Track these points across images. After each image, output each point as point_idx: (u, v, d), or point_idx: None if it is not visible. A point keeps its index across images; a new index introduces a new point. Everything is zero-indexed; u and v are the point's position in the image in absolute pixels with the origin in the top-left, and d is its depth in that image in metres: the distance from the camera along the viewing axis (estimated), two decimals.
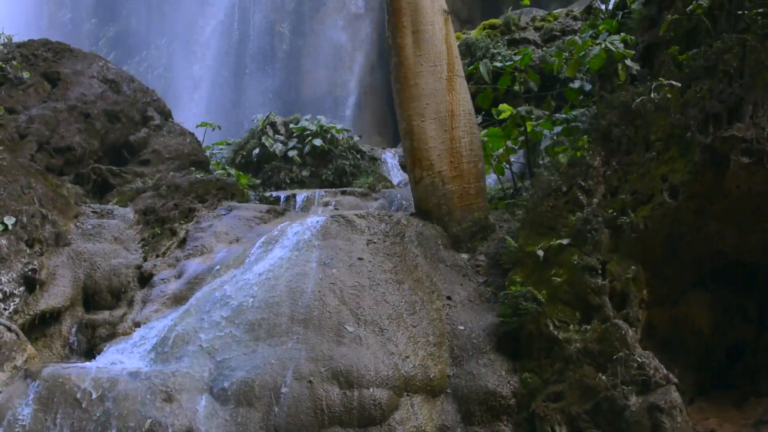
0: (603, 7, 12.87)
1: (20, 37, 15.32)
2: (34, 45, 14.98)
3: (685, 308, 7.96)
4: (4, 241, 8.88)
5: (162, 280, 9.65)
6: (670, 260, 7.68)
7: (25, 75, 13.87)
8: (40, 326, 9.03)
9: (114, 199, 12.54)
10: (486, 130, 12.20)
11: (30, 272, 8.97)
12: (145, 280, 9.85)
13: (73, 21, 52.41)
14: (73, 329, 9.28)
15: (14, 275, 8.80)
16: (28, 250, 9.21)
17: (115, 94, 14.89)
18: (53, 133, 13.22)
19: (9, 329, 8.04)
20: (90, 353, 8.97)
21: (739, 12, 7.78)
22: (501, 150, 12.37)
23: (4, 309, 8.51)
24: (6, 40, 14.71)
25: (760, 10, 7.47)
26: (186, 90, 39.63)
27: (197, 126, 18.60)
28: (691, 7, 8.18)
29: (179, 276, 9.61)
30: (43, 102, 13.68)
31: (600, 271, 7.65)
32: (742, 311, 8.07)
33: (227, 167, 18.04)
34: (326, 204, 14.00)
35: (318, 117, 20.27)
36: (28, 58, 14.44)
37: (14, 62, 13.95)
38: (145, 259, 10.28)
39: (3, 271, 8.69)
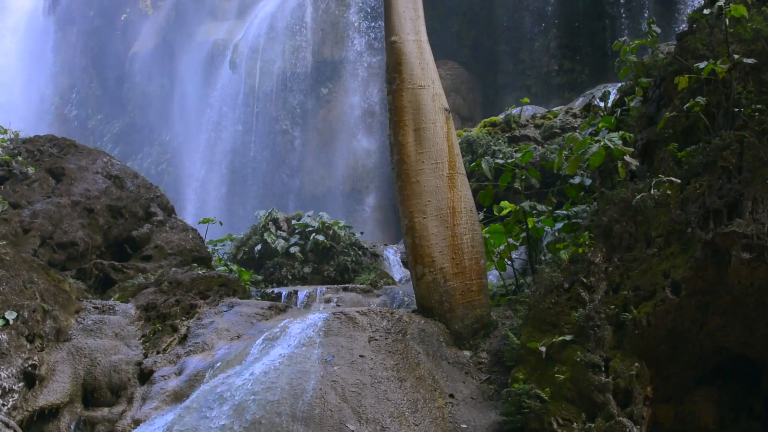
0: (602, 104, 13.04)
1: (27, 132, 15.50)
2: (40, 141, 15.16)
3: (691, 405, 7.86)
4: (4, 336, 8.82)
5: (162, 376, 9.53)
6: (674, 356, 7.61)
7: (31, 170, 14.00)
8: (38, 422, 8.88)
9: (116, 295, 12.49)
10: (487, 227, 12.26)
11: (30, 368, 8.88)
12: (145, 376, 9.73)
13: (78, 117, 53.20)
14: (72, 426, 9.12)
15: (14, 370, 8.71)
16: (28, 346, 9.13)
17: (118, 190, 14.99)
18: (56, 228, 13.27)
19: (7, 425, 7.94)
20: None
21: (736, 109, 7.90)
22: (502, 246, 12.39)
23: (3, 405, 8.40)
24: (13, 136, 14.88)
25: (757, 107, 7.58)
26: (189, 185, 39.92)
27: (199, 222, 18.69)
28: (688, 104, 8.31)
29: (180, 373, 9.51)
30: (47, 197, 13.77)
31: (603, 368, 7.58)
32: (748, 407, 7.96)
33: (229, 263, 18.07)
34: (328, 301, 13.98)
35: (320, 213, 20.40)
36: (34, 154, 14.61)
37: (20, 158, 14.10)
38: (145, 356, 10.18)
39: (3, 367, 8.60)
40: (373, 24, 35.51)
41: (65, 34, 57.16)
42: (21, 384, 8.76)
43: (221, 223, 19.53)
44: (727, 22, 8.59)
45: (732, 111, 7.98)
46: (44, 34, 60.32)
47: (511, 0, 32.89)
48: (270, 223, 20.08)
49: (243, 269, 17.17)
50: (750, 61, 8.03)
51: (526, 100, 21.25)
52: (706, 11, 9.33)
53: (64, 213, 13.58)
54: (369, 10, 35.64)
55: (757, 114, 7.53)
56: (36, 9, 62.18)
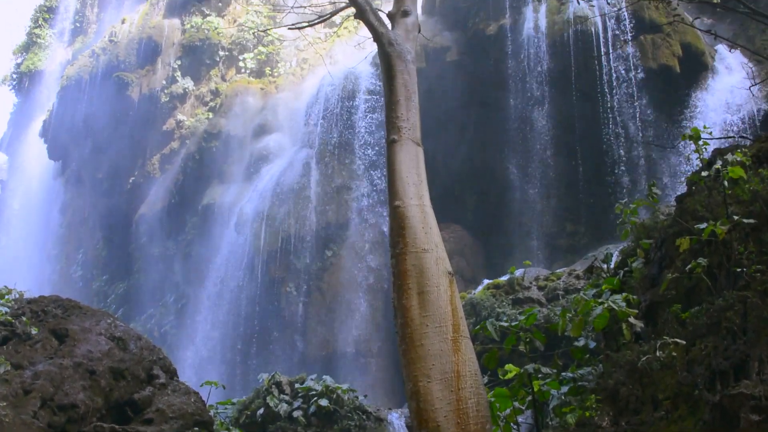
0: (604, 266, 13.12)
1: (32, 292, 15.55)
2: (45, 301, 15.18)
3: None
4: None
5: None
6: None
7: (34, 330, 13.97)
8: None
9: None
10: (492, 391, 12.10)
11: None
12: None
13: (84, 278, 53.55)
14: None
15: None
16: None
17: (121, 352, 14.89)
18: (58, 389, 13.13)
19: None
20: None
21: (738, 269, 7.95)
22: (508, 410, 12.18)
23: None
24: (17, 296, 14.92)
25: (759, 267, 7.64)
26: (192, 346, 39.77)
27: (201, 385, 18.47)
28: (690, 265, 8.36)
29: None
30: (49, 358, 13.67)
31: None
32: None
33: (231, 427, 17.76)
34: None
35: (324, 377, 20.21)
36: (38, 314, 14.60)
37: (23, 318, 14.09)
38: None
39: None
40: (376, 189, 36.19)
41: (73, 195, 58.27)
42: None
43: (224, 387, 19.31)
44: (726, 184, 8.75)
45: (734, 271, 8.03)
46: (53, 196, 61.54)
47: (514, 167, 33.62)
48: (273, 386, 19.85)
49: None
50: (749, 221, 8.14)
51: (528, 263, 21.43)
52: (704, 173, 9.53)
53: (65, 374, 13.46)
54: (373, 178, 36.39)
55: (759, 274, 7.58)
56: (46, 171, 63.61)
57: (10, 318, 13.92)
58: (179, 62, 50.44)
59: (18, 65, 69.39)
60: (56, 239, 59.71)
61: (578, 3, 29.93)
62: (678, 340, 7.86)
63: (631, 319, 9.72)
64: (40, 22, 68.75)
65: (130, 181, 51.51)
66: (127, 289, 49.23)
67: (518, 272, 22.03)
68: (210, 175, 44.99)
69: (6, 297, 14.53)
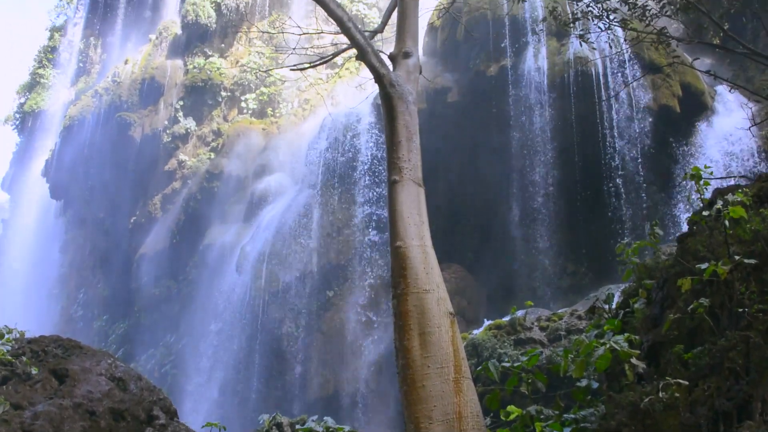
0: (606, 307, 13.09)
1: (32, 332, 15.51)
2: (45, 341, 15.14)
3: None
4: None
5: None
6: None
7: (34, 371, 13.92)
8: None
9: None
10: None
11: None
12: None
13: (84, 317, 53.53)
14: None
15: None
16: None
17: (121, 392, 14.83)
18: (57, 430, 13.05)
19: None
20: None
21: (740, 309, 7.93)
22: None
23: None
24: (18, 335, 14.89)
25: (761, 307, 7.62)
26: (192, 386, 39.60)
27: (203, 426, 18.32)
28: (692, 306, 8.34)
29: None
30: (49, 398, 13.61)
31: None
32: None
33: None
34: None
35: (325, 418, 20.06)
36: (38, 354, 14.56)
37: (24, 358, 14.05)
38: None
39: None
40: (378, 229, 36.21)
41: (75, 235, 58.39)
42: None
43: (224, 429, 19.18)
44: (727, 224, 8.76)
45: (736, 311, 8.01)
46: (54, 235, 61.67)
47: (515, 206, 33.65)
48: (274, 427, 19.70)
49: None
50: (751, 261, 8.13)
51: (530, 303, 21.38)
52: (705, 213, 9.53)
53: (65, 415, 13.39)
54: (374, 218, 36.41)
55: (761, 314, 7.56)
56: (48, 210, 63.82)
57: (10, 357, 13.89)
58: (182, 102, 50.77)
59: (21, 105, 69.89)
60: (57, 278, 59.72)
61: (580, 45, 30.13)
62: (681, 381, 7.82)
63: (634, 360, 9.68)
64: (43, 62, 69.32)
65: (132, 220, 51.64)
66: (128, 329, 49.16)
67: (520, 312, 21.94)
68: (211, 215, 45.10)
69: (6, 336, 14.50)
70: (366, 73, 11.20)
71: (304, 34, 14.50)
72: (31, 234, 68.01)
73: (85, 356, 15.33)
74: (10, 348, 14.31)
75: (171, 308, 45.56)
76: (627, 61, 30.92)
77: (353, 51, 11.53)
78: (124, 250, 51.06)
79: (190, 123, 50.32)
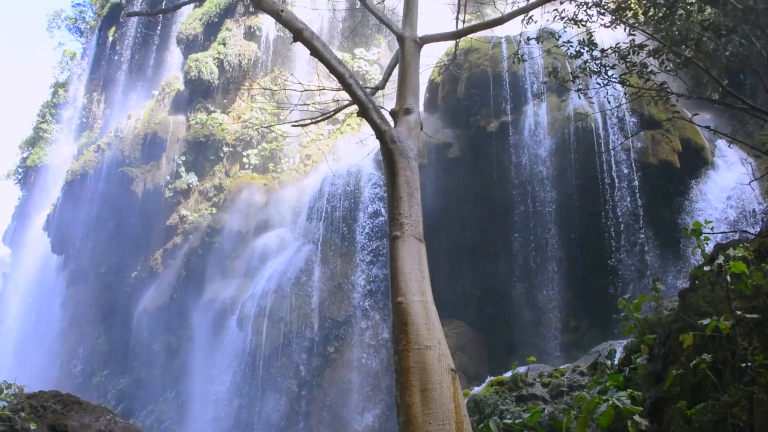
0: (608, 362, 13.03)
1: (31, 387, 15.45)
2: (44, 396, 15.07)
3: None
4: None
5: None
6: None
7: (33, 426, 13.82)
8: None
9: None
10: None
11: None
12: None
13: (84, 372, 53.22)
14: None
15: None
16: None
17: None
18: None
19: None
20: None
21: (743, 364, 7.90)
22: None
23: None
24: (17, 391, 14.81)
25: (764, 362, 7.59)
26: None
27: None
28: (695, 361, 8.31)
29: None
30: None
31: None
32: None
33: None
34: None
35: None
36: (37, 410, 14.47)
37: (23, 413, 13.96)
38: None
39: None
40: (379, 285, 36.17)
41: (75, 290, 58.28)
42: None
43: None
44: (728, 279, 8.75)
45: (739, 367, 7.98)
46: (54, 290, 61.59)
47: (516, 262, 33.66)
48: None
49: None
50: (753, 316, 8.12)
51: (533, 358, 21.25)
52: (706, 268, 9.53)
53: None
54: (376, 274, 36.40)
55: (764, 369, 7.53)
56: (49, 264, 63.81)
57: (9, 413, 13.81)
58: (184, 158, 51.01)
59: (24, 159, 70.33)
60: (57, 333, 59.51)
61: (579, 98, 30.35)
62: None
63: (636, 417, 9.62)
64: (46, 117, 69.87)
65: (133, 275, 51.59)
66: (128, 385, 48.85)
67: (521, 369, 21.80)
68: (212, 271, 45.06)
69: (5, 392, 14.43)
70: (367, 129, 11.28)
71: (306, 90, 14.62)
72: (31, 288, 67.93)
73: (84, 412, 15.24)
74: (8, 403, 14.23)
75: (171, 364, 45.33)
76: (627, 117, 31.12)
77: (355, 107, 11.63)
78: (124, 305, 50.95)
79: (191, 178, 50.53)
